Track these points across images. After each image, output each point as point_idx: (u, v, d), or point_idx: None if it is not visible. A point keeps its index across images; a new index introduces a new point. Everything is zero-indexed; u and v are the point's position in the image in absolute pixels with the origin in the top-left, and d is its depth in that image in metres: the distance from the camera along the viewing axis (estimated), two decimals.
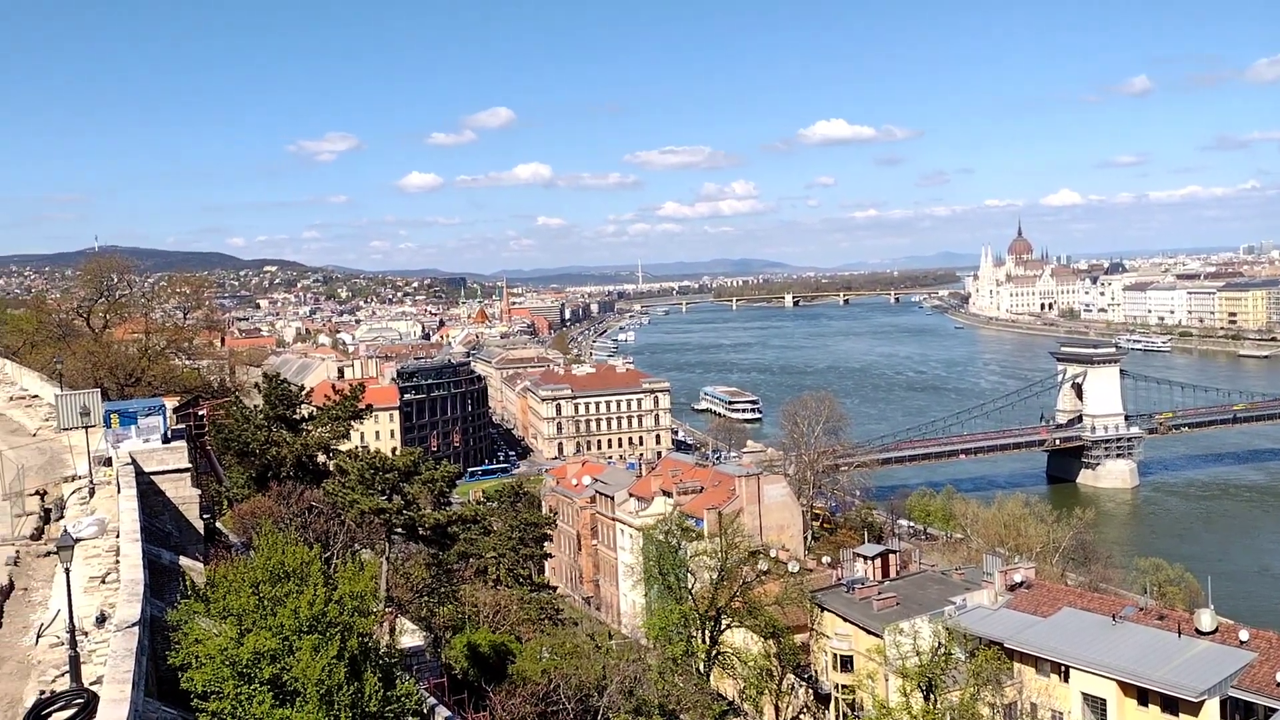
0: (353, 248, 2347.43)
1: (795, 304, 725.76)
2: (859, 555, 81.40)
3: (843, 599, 72.22)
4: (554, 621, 75.97)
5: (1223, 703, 51.22)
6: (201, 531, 31.21)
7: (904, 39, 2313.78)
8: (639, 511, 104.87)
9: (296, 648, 18.66)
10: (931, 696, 55.19)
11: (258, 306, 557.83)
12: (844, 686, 69.19)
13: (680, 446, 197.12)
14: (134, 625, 17.52)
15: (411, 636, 33.76)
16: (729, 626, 68.86)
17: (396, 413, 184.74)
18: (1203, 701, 51.11)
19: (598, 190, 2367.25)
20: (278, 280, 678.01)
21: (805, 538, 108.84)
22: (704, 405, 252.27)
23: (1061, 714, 57.53)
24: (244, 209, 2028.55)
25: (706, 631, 67.73)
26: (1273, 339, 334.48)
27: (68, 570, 17.43)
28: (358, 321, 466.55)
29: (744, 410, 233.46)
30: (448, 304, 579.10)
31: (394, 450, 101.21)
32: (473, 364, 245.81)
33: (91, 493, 29.06)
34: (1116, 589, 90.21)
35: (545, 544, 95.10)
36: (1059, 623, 61.08)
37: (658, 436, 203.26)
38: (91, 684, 16.45)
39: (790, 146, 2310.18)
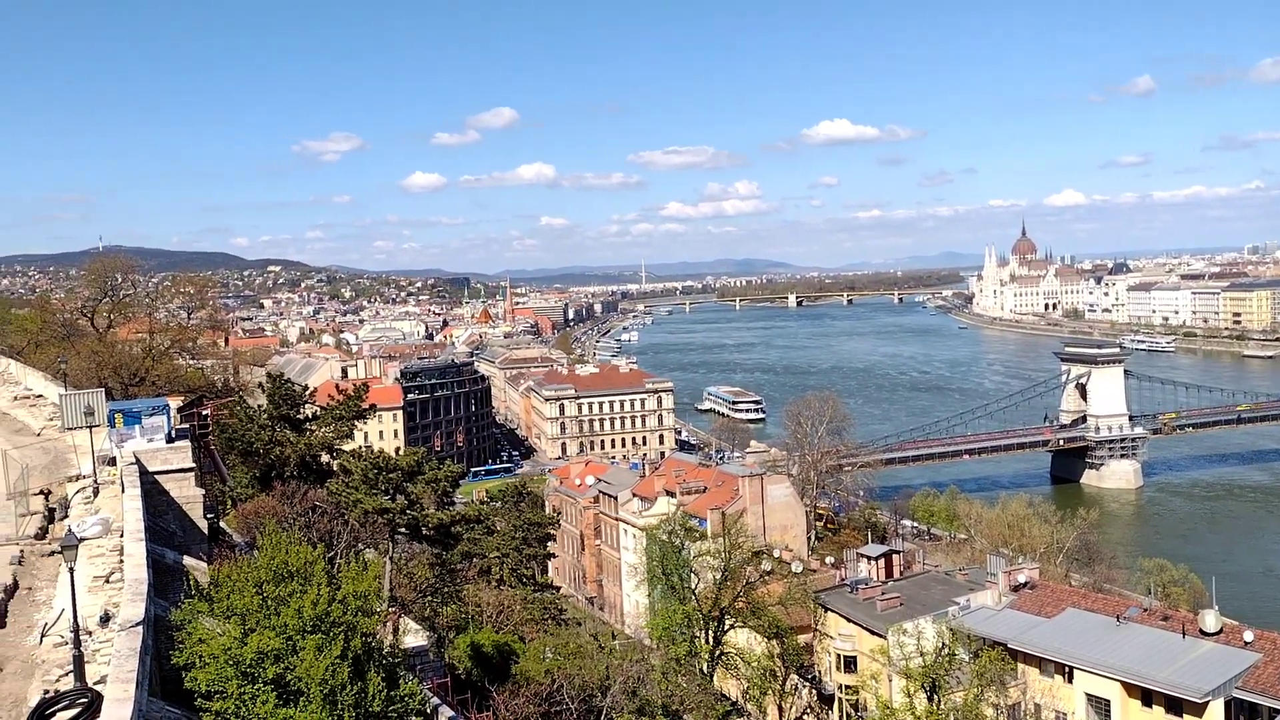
0: (356, 248, 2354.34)
1: (799, 304, 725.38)
2: (862, 556, 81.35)
3: (846, 599, 72.17)
4: (557, 622, 75.91)
5: (1227, 704, 51.13)
6: (205, 531, 31.20)
7: (908, 39, 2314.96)
8: (642, 511, 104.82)
9: (300, 647, 18.66)
10: (935, 697, 55.13)
11: (262, 306, 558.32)
12: (847, 687, 69.11)
13: (683, 446, 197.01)
14: (138, 625, 17.52)
15: (415, 636, 33.75)
16: (732, 627, 68.81)
17: (400, 413, 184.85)
18: (1207, 703, 51.03)
19: (601, 190, 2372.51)
20: (282, 280, 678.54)
21: (809, 538, 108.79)
22: (707, 405, 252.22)
23: (1065, 715, 57.45)
24: (248, 209, 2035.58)
25: (710, 632, 67.67)
26: (1277, 339, 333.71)
27: (72, 570, 17.43)
28: (361, 321, 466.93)
29: (747, 410, 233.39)
30: (451, 304, 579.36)
31: (397, 450, 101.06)
32: (476, 364, 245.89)
33: (96, 492, 29.06)
34: (1120, 590, 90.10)
35: (548, 544, 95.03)
36: (1063, 623, 61.00)
37: (661, 436, 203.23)
38: (95, 683, 16.45)
39: (794, 146, 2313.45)
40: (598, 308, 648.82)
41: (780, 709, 68.86)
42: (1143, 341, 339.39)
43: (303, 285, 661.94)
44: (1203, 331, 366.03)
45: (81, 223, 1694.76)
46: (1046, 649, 58.87)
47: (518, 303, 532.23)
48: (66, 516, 27.84)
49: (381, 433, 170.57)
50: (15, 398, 47.29)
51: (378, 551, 51.51)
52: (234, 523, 45.66)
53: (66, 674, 17.31)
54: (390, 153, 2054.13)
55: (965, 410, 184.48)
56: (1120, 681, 54.95)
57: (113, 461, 30.29)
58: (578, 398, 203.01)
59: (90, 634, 18.80)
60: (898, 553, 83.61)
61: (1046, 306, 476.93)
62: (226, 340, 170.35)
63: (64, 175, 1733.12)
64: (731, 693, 69.55)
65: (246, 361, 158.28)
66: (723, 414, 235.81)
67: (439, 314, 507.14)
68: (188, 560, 26.33)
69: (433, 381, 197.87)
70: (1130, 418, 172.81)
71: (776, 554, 79.32)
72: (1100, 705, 55.92)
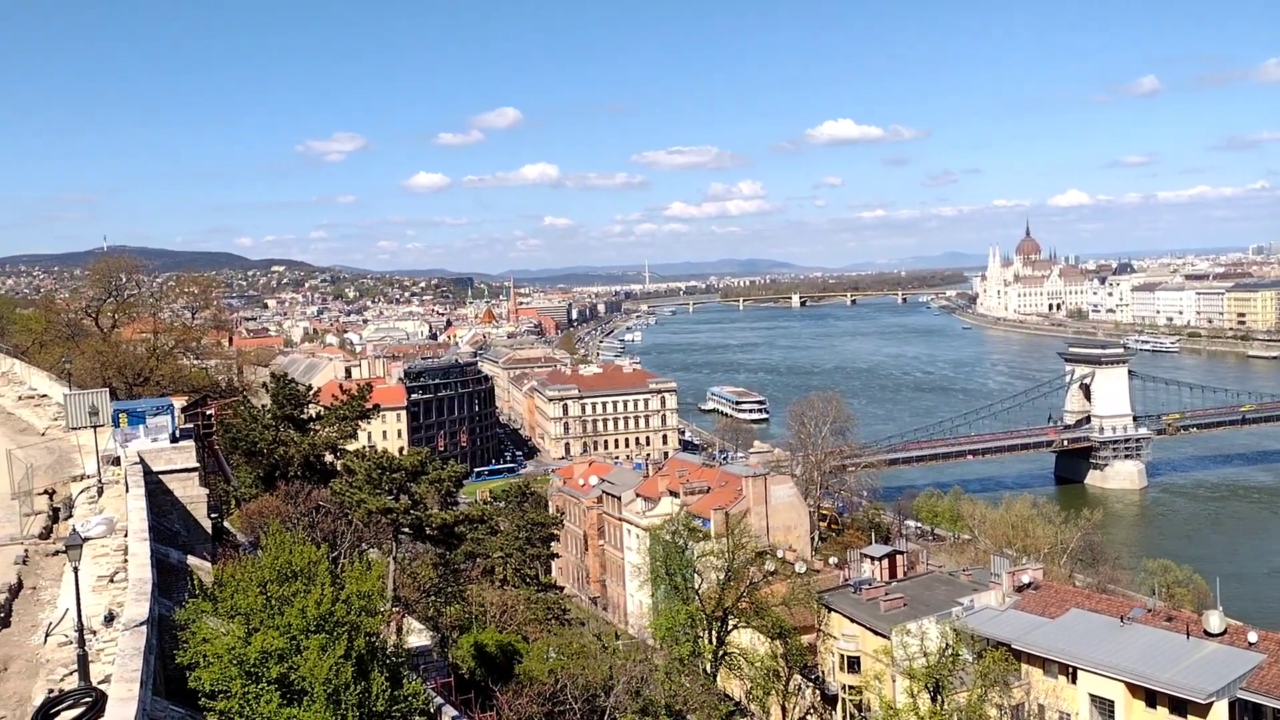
0: (360, 248, 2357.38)
1: (802, 304, 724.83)
2: (866, 556, 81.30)
3: (850, 600, 72.17)
4: (561, 621, 75.90)
5: (1231, 705, 51.09)
6: (209, 531, 31.23)
7: (912, 38, 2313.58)
8: (646, 512, 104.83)
9: (304, 647, 18.67)
10: (939, 698, 55.09)
11: (265, 306, 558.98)
12: (851, 687, 69.12)
13: (687, 447, 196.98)
14: (142, 624, 17.53)
15: (418, 636, 33.75)
16: (736, 627, 68.79)
17: (404, 413, 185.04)
18: (1211, 703, 50.96)
19: (605, 190, 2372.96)
20: (285, 280, 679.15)
21: (812, 538, 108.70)
22: (711, 405, 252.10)
23: (1069, 715, 57.41)
24: (252, 209, 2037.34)
25: (713, 632, 67.66)
26: None
27: (76, 569, 17.46)
28: (365, 321, 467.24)
29: (751, 410, 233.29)
30: (455, 304, 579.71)
31: (401, 450, 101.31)
32: (480, 364, 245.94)
33: (100, 492, 29.10)
34: (1124, 590, 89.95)
35: (552, 544, 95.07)
36: (1067, 624, 60.95)
37: (664, 437, 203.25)
38: (99, 683, 16.47)
39: (797, 147, 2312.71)
40: (601, 308, 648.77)
41: (784, 709, 68.85)
42: (1147, 342, 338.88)
43: (307, 285, 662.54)
44: (1207, 332, 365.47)
45: (86, 223, 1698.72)
46: (1050, 649, 58.82)
47: (521, 303, 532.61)
48: (71, 516, 27.89)
49: (385, 433, 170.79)
50: (20, 397, 47.41)
51: (381, 551, 51.51)
52: (238, 522, 45.69)
53: (71, 673, 17.35)
54: (394, 153, 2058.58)
55: (969, 411, 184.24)
56: (1124, 682, 54.89)
57: (117, 461, 30.33)
58: (581, 398, 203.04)
59: (94, 633, 18.83)
60: (901, 553, 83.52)
61: (1050, 307, 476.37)
62: (230, 340, 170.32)
63: (68, 175, 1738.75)
64: (735, 693, 69.52)
65: (250, 361, 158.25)
66: (726, 414, 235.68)
67: (443, 314, 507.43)
68: (192, 560, 26.36)
69: (436, 382, 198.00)
70: (1134, 418, 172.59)
71: (780, 554, 79.23)
72: (1104, 706, 55.86)
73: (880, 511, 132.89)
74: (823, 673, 72.39)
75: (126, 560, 22.08)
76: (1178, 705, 52.52)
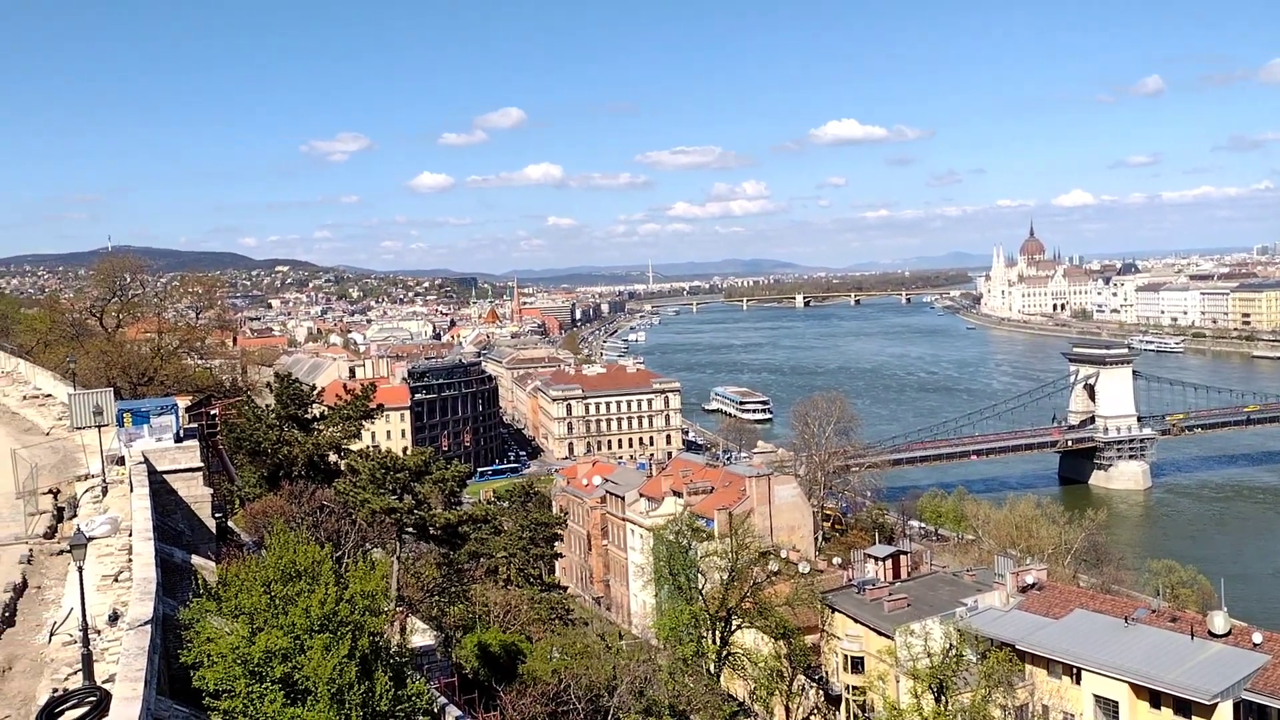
0: (364, 248, 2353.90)
1: (806, 304, 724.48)
2: (870, 556, 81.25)
3: (854, 600, 72.12)
4: (564, 621, 75.97)
5: (1236, 705, 51.00)
6: (213, 530, 31.30)
7: (916, 38, 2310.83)
8: (649, 512, 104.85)
9: (308, 647, 18.69)
10: (943, 698, 55.03)
11: (269, 306, 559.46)
12: (855, 688, 69.10)
13: (691, 447, 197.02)
14: (146, 624, 17.57)
15: (422, 636, 33.83)
16: (739, 627, 68.76)
17: (407, 412, 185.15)
18: (1216, 704, 50.89)
19: (608, 190, 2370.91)
20: (289, 280, 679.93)
21: (816, 538, 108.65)
22: (714, 405, 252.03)
23: (1073, 716, 57.35)
24: (256, 209, 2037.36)
25: (717, 632, 67.64)
26: None
27: (80, 569, 17.47)
28: (369, 321, 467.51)
29: (755, 411, 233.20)
30: (459, 304, 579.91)
31: (405, 450, 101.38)
32: (483, 364, 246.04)
33: (104, 491, 29.15)
34: (1129, 591, 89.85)
35: (556, 544, 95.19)
36: (1071, 624, 60.89)
37: (668, 437, 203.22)
38: (104, 682, 16.50)
39: (801, 146, 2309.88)
40: (605, 308, 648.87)
41: (787, 709, 68.81)
42: (1151, 342, 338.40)
43: (310, 285, 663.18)
44: (1211, 332, 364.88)
45: (90, 223, 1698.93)
46: (1054, 650, 58.76)
47: (525, 303, 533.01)
48: (75, 515, 27.93)
49: (389, 432, 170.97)
50: (24, 397, 47.48)
51: (385, 551, 51.58)
52: (242, 522, 45.78)
53: (75, 672, 17.37)
54: (398, 153, 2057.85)
55: (973, 411, 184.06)
56: (1128, 683, 54.83)
57: (121, 461, 30.38)
58: (585, 398, 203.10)
59: (99, 633, 18.85)
60: (905, 553, 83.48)
61: (1054, 307, 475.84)
62: (234, 340, 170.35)
63: (72, 175, 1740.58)
64: (738, 693, 69.53)
65: (254, 361, 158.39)
66: (730, 414, 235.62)
67: (446, 314, 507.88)
68: (196, 559, 26.41)
69: (440, 381, 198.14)
70: (1139, 418, 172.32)
71: (784, 554, 79.22)
72: (1108, 707, 55.81)
73: (884, 512, 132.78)
74: (826, 673, 72.38)
75: (131, 560, 22.13)
76: (1182, 706, 52.45)
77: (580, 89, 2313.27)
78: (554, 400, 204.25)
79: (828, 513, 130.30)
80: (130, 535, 23.72)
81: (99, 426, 31.48)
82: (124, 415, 32.00)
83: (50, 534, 26.87)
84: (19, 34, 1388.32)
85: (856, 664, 69.10)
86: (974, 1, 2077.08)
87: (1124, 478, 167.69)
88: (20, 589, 22.58)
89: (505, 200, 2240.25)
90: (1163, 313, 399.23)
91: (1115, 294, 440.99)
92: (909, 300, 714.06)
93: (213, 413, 47.82)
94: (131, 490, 26.97)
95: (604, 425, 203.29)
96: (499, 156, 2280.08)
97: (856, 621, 69.67)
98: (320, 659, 18.41)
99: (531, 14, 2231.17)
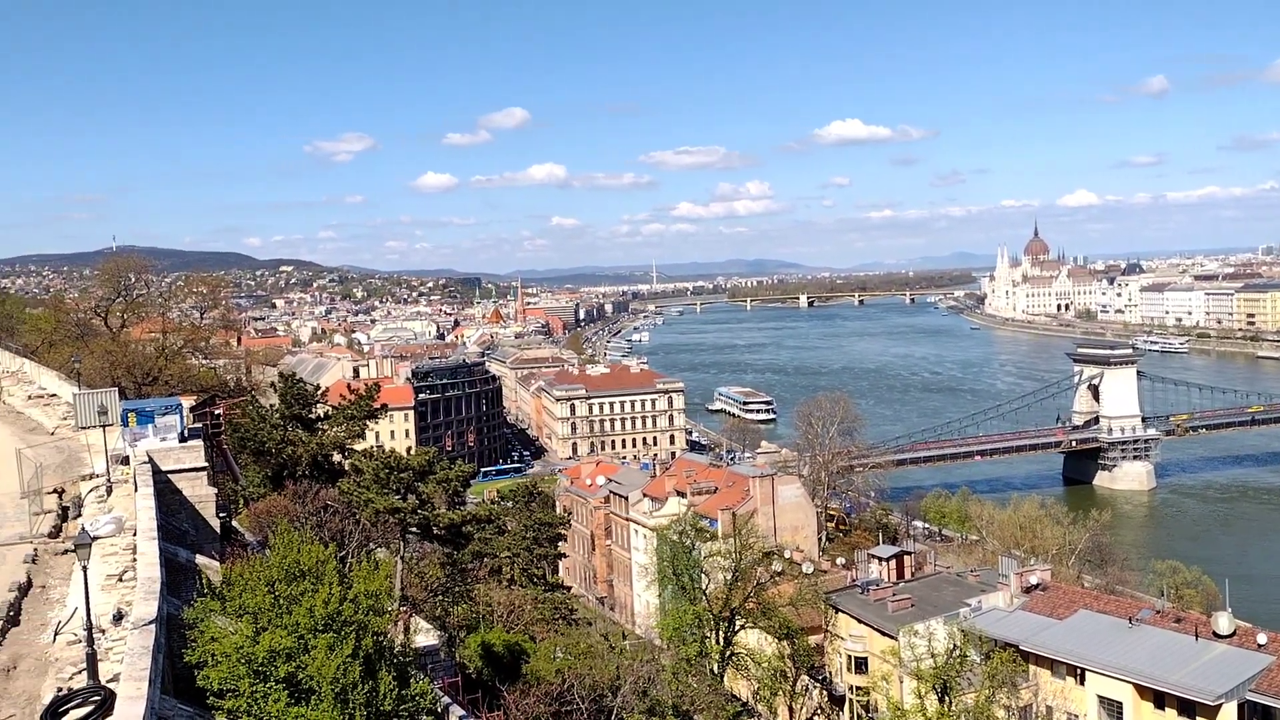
0: (368, 248, 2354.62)
1: (810, 304, 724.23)
2: (874, 557, 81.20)
3: (857, 600, 72.07)
4: (568, 621, 76.01)
5: (1240, 706, 50.90)
6: (218, 530, 31.33)
7: (920, 38, 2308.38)
8: (653, 512, 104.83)
9: (312, 646, 18.70)
10: (946, 699, 54.98)
11: (274, 306, 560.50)
12: (858, 688, 69.05)
13: (694, 447, 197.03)
14: (151, 623, 17.60)
15: (426, 636, 33.85)
16: (743, 627, 68.72)
17: (411, 412, 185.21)
18: (1220, 705, 50.80)
19: (612, 190, 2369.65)
20: (294, 280, 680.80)
21: (820, 539, 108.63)
22: (718, 406, 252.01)
23: (1077, 716, 57.28)
24: (260, 209, 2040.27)
25: (720, 632, 67.62)
26: None
27: (85, 568, 17.51)
28: (373, 321, 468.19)
29: (758, 411, 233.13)
30: (462, 304, 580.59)
31: (409, 450, 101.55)
32: (487, 364, 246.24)
33: (109, 491, 29.20)
34: (1133, 591, 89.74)
35: (559, 544, 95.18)
36: (1075, 625, 60.82)
37: (672, 437, 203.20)
38: (108, 681, 16.53)
39: (805, 147, 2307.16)
40: (609, 308, 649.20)
41: (791, 710, 68.79)
42: (1156, 342, 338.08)
43: (315, 285, 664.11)
44: (1216, 332, 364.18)
45: (95, 223, 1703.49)
46: (1058, 651, 58.69)
47: (529, 303, 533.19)
48: (80, 515, 27.98)
49: (393, 432, 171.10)
50: (29, 396, 47.58)
51: (389, 551, 51.64)
52: (246, 522, 45.85)
53: (80, 672, 17.40)
54: (402, 153, 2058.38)
55: (977, 411, 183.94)
56: (1132, 683, 54.76)
57: (126, 460, 30.43)
58: (589, 398, 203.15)
59: (103, 632, 18.89)
60: (909, 554, 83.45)
61: (1059, 307, 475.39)
62: (239, 340, 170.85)
63: (77, 175, 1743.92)
64: (742, 693, 69.51)
65: (259, 361, 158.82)
66: (734, 414, 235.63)
67: (450, 314, 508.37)
68: (200, 559, 26.43)
69: (444, 381, 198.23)
70: (1143, 419, 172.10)
71: (787, 555, 79.25)
72: (1112, 707, 55.73)
73: (888, 512, 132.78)
74: (830, 673, 72.34)
75: (135, 559, 22.17)
76: (1186, 707, 52.37)
77: (584, 89, 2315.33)
78: (558, 400, 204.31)
79: (831, 513, 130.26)
80: (135, 535, 23.77)
81: (104, 426, 31.54)
82: (128, 415, 32.07)
83: (55, 533, 26.93)
84: (19, 34, 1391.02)
85: (860, 664, 69.05)
86: (978, 1, 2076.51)
87: (1128, 478, 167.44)
88: (25, 588, 22.63)
89: (509, 200, 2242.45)
90: (1167, 313, 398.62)
91: (1120, 294, 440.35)
92: (913, 300, 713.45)
93: (217, 412, 47.96)
94: (136, 490, 27.02)
95: (608, 425, 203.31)
96: (503, 156, 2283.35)
97: (860, 622, 69.62)
98: (324, 659, 18.42)
99: (536, 14, 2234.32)
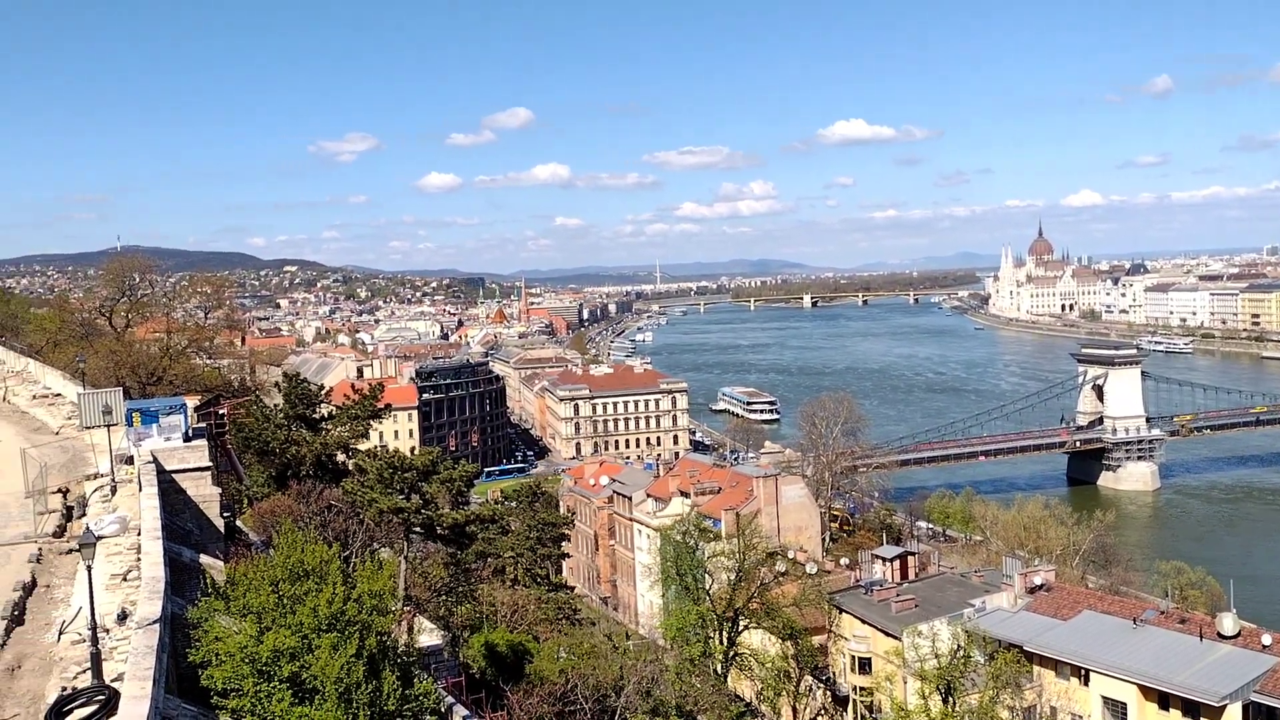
0: (372, 248, 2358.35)
1: (814, 304, 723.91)
2: (877, 557, 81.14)
3: (861, 601, 72.02)
4: (571, 621, 75.95)
5: (1245, 707, 50.81)
6: (222, 529, 31.34)
7: (923, 38, 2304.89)
8: (656, 512, 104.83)
9: (315, 646, 18.72)
10: (950, 699, 54.95)
11: (278, 306, 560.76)
12: (862, 688, 68.99)
13: (698, 447, 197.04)
14: (155, 623, 17.60)
15: (429, 635, 33.83)
16: (746, 627, 68.76)
17: (415, 412, 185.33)
18: (1225, 706, 50.70)
19: (616, 190, 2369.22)
20: (298, 280, 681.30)
21: (823, 539, 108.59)
22: (722, 406, 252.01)
23: (1081, 717, 57.21)
24: (264, 209, 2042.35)
25: (724, 632, 67.65)
26: None
27: (89, 568, 17.52)
28: (377, 321, 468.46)
29: (762, 411, 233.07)
30: (466, 304, 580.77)
31: (412, 450, 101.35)
32: (491, 364, 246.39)
33: (113, 490, 29.21)
34: (1137, 592, 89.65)
35: (563, 544, 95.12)
36: (1079, 626, 60.73)
37: (675, 437, 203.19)
38: (112, 681, 16.53)
39: (809, 147, 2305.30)
40: (612, 308, 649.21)
41: (794, 710, 68.78)
42: (1160, 343, 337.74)
43: (319, 285, 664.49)
44: (1221, 333, 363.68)
45: (99, 223, 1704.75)
46: (1062, 651, 58.61)
47: (532, 303, 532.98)
48: (84, 514, 28.00)
49: (397, 432, 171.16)
50: (34, 396, 47.64)
51: (393, 551, 51.66)
52: (250, 521, 45.85)
53: (84, 671, 17.41)
54: (406, 153, 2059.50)
55: (981, 411, 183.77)
56: (1137, 684, 54.67)
57: (130, 460, 30.45)
58: (592, 398, 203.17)
59: (107, 631, 18.90)
60: (913, 554, 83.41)
61: (1063, 307, 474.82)
62: (243, 340, 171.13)
63: (81, 175, 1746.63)
64: (745, 694, 69.50)
65: (263, 361, 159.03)
66: (737, 415, 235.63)
67: (454, 314, 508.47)
68: (204, 558, 26.46)
69: (448, 381, 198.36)
70: (1147, 419, 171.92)
71: (791, 555, 79.19)
72: (1117, 708, 55.65)
73: (892, 512, 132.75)
74: (834, 674, 72.29)
75: (139, 559, 22.17)
76: (1191, 708, 52.28)
77: (588, 89, 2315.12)
78: (561, 400, 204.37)
79: (835, 513, 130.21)
80: (139, 534, 23.77)
81: (108, 426, 31.57)
82: (133, 415, 32.09)
83: (59, 533, 26.96)
84: (19, 34, 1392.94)
85: (864, 665, 69.01)
86: (982, 1, 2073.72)
87: (1132, 479, 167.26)
88: (30, 588, 22.66)
89: (513, 200, 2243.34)
90: (1171, 313, 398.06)
91: (1124, 294, 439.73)
92: (917, 300, 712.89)
93: (221, 412, 48.00)
94: (140, 489, 27.04)
95: (611, 425, 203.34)
96: (507, 157, 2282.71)
97: (864, 622, 69.56)
98: (328, 658, 18.44)
99: (539, 14, 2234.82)
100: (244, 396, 74.45)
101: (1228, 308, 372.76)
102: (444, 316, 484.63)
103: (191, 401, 39.56)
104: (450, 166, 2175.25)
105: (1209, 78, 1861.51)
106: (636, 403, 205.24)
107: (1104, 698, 56.14)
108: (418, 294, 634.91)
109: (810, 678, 69.91)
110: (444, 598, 58.12)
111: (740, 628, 68.35)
